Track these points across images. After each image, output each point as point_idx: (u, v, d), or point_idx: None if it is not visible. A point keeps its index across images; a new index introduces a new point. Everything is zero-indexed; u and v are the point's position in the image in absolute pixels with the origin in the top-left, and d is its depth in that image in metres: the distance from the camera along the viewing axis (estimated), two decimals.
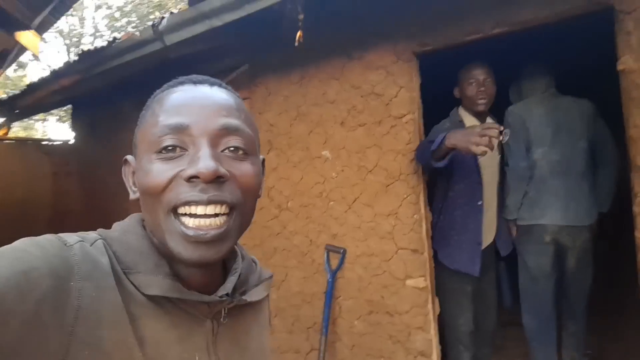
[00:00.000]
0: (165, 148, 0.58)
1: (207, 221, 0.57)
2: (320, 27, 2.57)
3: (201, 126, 0.59)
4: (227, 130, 0.60)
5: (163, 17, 2.33)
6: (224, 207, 0.58)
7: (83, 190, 4.75)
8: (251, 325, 0.71)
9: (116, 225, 0.64)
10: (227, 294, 0.64)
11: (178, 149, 0.58)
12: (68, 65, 3.13)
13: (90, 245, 0.57)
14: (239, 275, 0.68)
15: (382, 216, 2.38)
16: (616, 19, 1.83)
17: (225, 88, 0.66)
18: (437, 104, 2.55)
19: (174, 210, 0.57)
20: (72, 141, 4.83)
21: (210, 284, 0.64)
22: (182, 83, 0.64)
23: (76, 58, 2.97)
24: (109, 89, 3.94)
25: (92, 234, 0.60)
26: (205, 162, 0.56)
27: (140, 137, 0.63)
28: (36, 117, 11.69)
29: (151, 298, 0.58)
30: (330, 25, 2.54)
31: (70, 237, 0.57)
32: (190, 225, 0.57)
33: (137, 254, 0.60)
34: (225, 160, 0.60)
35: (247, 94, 3.01)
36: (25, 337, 0.46)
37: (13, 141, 4.62)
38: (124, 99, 3.86)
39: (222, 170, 0.58)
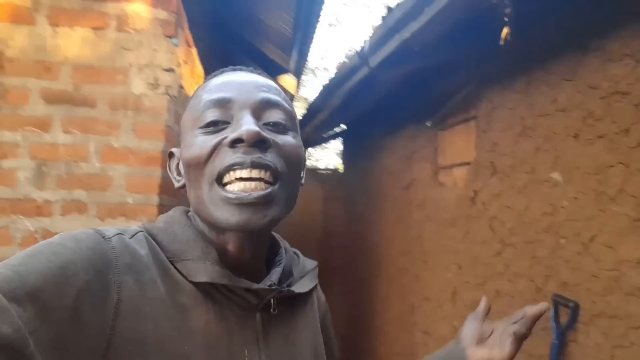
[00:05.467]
0: (209, 123, 0.60)
1: (252, 184, 0.57)
2: (542, 19, 2.07)
3: (243, 99, 0.60)
4: (269, 104, 0.62)
5: (366, 40, 2.31)
6: (267, 173, 0.58)
7: (346, 215, 5.15)
8: (299, 320, 0.68)
9: (161, 217, 0.65)
10: (274, 284, 0.63)
11: (221, 123, 0.60)
12: (316, 101, 3.47)
13: (130, 238, 0.57)
14: (283, 268, 0.67)
15: (629, 264, 1.67)
16: None
17: (263, 74, 0.68)
18: None
19: (218, 180, 0.58)
20: (341, 170, 5.34)
21: (255, 276, 0.63)
22: (222, 71, 0.68)
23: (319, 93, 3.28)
24: (363, 121, 4.19)
25: (133, 227, 0.61)
26: (248, 126, 0.57)
27: (183, 122, 0.65)
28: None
29: (200, 287, 0.57)
30: (555, 13, 2.01)
31: (109, 230, 0.56)
32: (235, 189, 0.57)
33: (183, 243, 0.59)
34: (267, 132, 0.60)
35: (474, 112, 2.67)
36: (64, 333, 0.45)
37: None
38: (378, 127, 4.03)
39: (265, 134, 0.58)
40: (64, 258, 0.49)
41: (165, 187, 2.32)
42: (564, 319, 1.93)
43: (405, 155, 3.51)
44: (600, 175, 1.81)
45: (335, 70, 2.82)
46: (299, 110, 7.38)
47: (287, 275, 0.68)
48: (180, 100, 2.56)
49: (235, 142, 0.58)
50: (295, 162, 0.63)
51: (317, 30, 2.74)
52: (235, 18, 3.34)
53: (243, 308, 0.60)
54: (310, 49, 3.09)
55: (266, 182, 0.58)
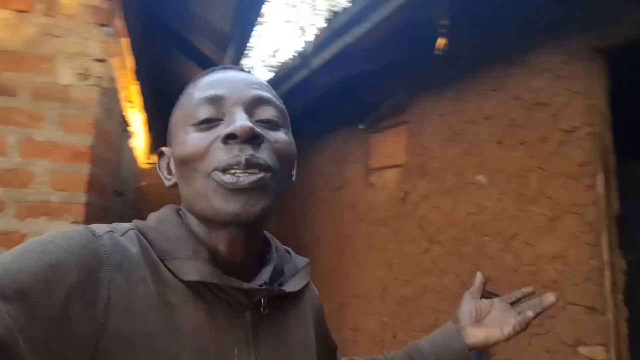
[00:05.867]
0: (202, 120, 0.60)
1: (246, 174, 0.57)
2: (474, 32, 2.23)
3: (235, 96, 0.61)
4: (260, 101, 0.62)
5: (309, 42, 2.35)
6: (261, 171, 0.58)
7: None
8: (290, 318, 0.68)
9: (151, 215, 0.65)
10: (264, 283, 0.62)
11: (214, 120, 0.60)
12: None
13: (121, 236, 0.57)
14: (274, 267, 0.66)
15: (546, 259, 1.85)
16: None
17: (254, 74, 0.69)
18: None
19: (214, 172, 0.58)
20: None
21: (246, 275, 0.62)
22: (212, 70, 0.68)
23: None
24: (296, 121, 4.21)
25: (125, 225, 0.60)
26: (241, 122, 0.57)
27: (175, 120, 0.65)
28: None
29: (190, 286, 0.57)
30: (486, 28, 2.18)
31: (100, 228, 0.56)
32: (229, 177, 0.57)
33: (174, 241, 0.59)
34: (260, 128, 0.60)
35: (406, 117, 2.80)
36: (54, 331, 0.45)
37: None
38: (312, 128, 4.07)
39: (258, 130, 0.58)
40: (55, 256, 0.48)
41: (94, 184, 2.19)
42: None
43: (337, 157, 3.59)
44: (521, 178, 1.99)
45: (274, 70, 2.83)
46: None
47: (278, 274, 0.67)
48: (111, 93, 2.43)
49: (228, 138, 0.57)
50: (286, 158, 0.63)
51: (256, 28, 2.73)
52: (169, 10, 3.23)
53: (233, 307, 0.60)
54: (248, 47, 3.08)
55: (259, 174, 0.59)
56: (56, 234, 0.52)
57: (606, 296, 1.68)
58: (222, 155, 0.57)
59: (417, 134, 2.63)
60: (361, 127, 3.13)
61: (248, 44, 3.05)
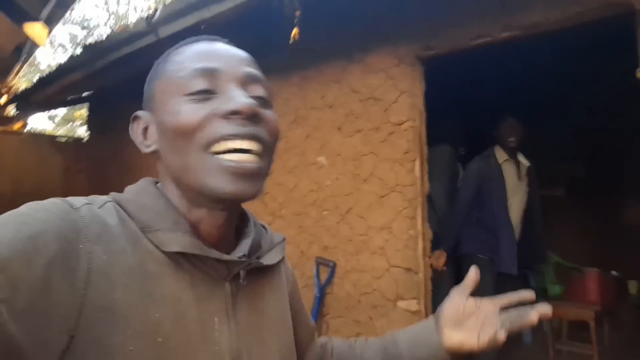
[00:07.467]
0: (198, 91, 0.59)
1: (244, 156, 0.57)
2: (321, 27, 2.44)
3: (230, 71, 0.61)
4: (253, 78, 0.63)
5: (157, 9, 2.25)
6: (259, 145, 0.59)
7: (92, 187, 4.75)
8: (267, 290, 0.70)
9: (129, 188, 0.64)
10: (244, 255, 0.63)
11: (209, 92, 0.59)
12: (72, 60, 3.10)
13: (99, 208, 0.57)
14: (252, 240, 0.67)
15: (375, 229, 2.21)
16: (638, 22, 1.63)
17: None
18: (443, 111, 2.37)
19: (208, 148, 0.57)
20: (85, 139, 4.85)
21: (224, 247, 0.63)
22: (198, 39, 0.67)
23: (80, 52, 2.94)
24: (123, 87, 3.92)
25: (102, 197, 0.60)
26: (245, 100, 0.58)
27: (160, 87, 0.63)
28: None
29: (170, 257, 0.58)
30: (331, 25, 2.41)
31: (78, 200, 0.56)
32: (231, 158, 0.57)
33: (153, 213, 0.59)
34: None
35: None
36: (36, 302, 0.46)
37: (27, 135, 4.67)
38: (135, 98, 3.83)
39: (260, 109, 0.59)
40: (34, 228, 0.49)
41: None
42: (324, 276, 2.39)
43: None
44: (356, 161, 2.31)
45: (109, 32, 2.60)
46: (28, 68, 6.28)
47: (256, 247, 0.68)
48: None
49: (231, 114, 0.58)
50: (276, 136, 0.64)
51: None
52: None
53: (212, 278, 0.61)
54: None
55: (255, 153, 0.59)
56: (34, 206, 0.52)
57: (419, 259, 2.11)
58: (222, 127, 0.58)
59: None
60: None
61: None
